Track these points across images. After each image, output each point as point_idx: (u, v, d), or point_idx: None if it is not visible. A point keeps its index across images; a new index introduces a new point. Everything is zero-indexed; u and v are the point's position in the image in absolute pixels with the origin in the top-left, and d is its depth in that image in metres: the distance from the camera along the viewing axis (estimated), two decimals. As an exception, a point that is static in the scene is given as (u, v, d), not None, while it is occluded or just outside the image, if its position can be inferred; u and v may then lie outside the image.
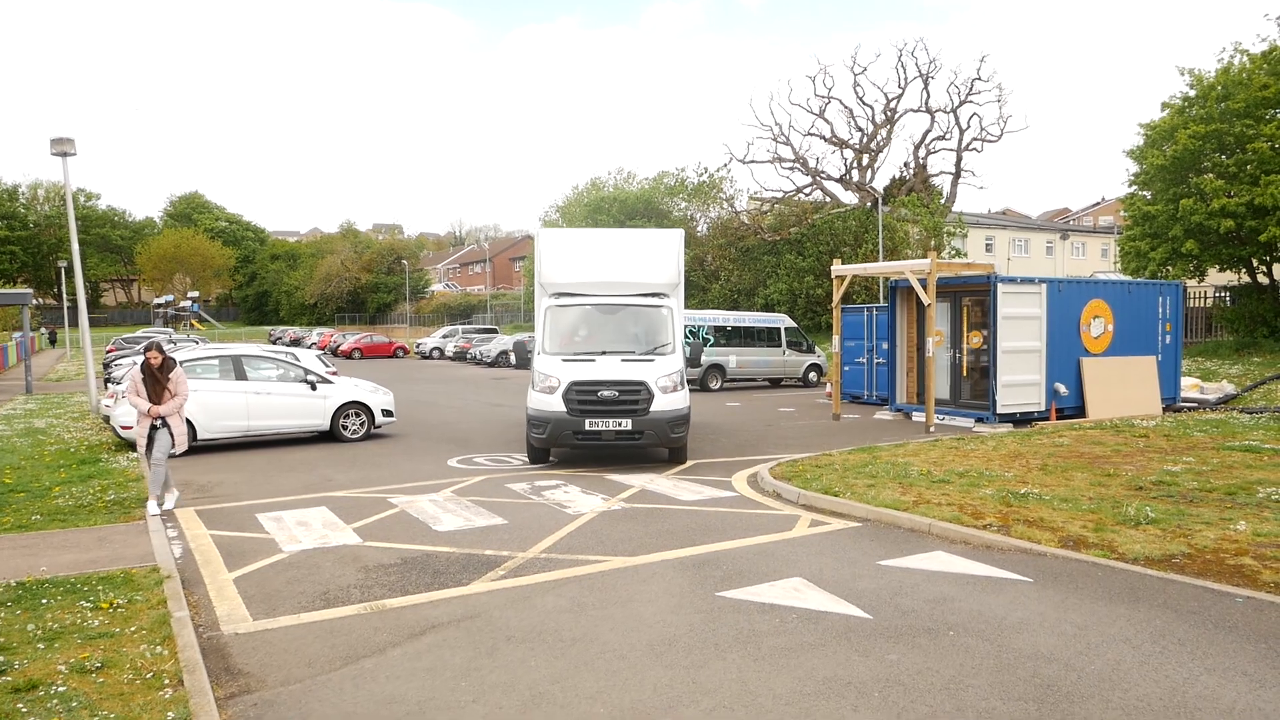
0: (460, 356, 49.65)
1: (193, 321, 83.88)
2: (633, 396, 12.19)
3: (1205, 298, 33.54)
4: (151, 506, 9.82)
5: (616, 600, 6.64)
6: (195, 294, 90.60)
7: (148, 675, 5.17)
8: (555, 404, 12.25)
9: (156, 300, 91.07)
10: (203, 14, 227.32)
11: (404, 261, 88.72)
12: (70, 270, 59.01)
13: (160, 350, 10.19)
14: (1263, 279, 29.95)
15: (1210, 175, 27.93)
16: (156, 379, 10.04)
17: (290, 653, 5.73)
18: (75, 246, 20.23)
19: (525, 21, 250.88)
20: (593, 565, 7.61)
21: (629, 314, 13.67)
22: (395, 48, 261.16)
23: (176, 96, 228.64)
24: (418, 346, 57.06)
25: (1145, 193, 30.66)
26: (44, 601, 6.53)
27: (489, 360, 44.48)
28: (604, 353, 12.92)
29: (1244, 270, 29.88)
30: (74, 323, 65.61)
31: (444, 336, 55.81)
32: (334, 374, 18.94)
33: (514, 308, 74.86)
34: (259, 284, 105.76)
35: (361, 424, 16.45)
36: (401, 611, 6.51)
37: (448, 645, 5.79)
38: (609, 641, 5.77)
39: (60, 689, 4.97)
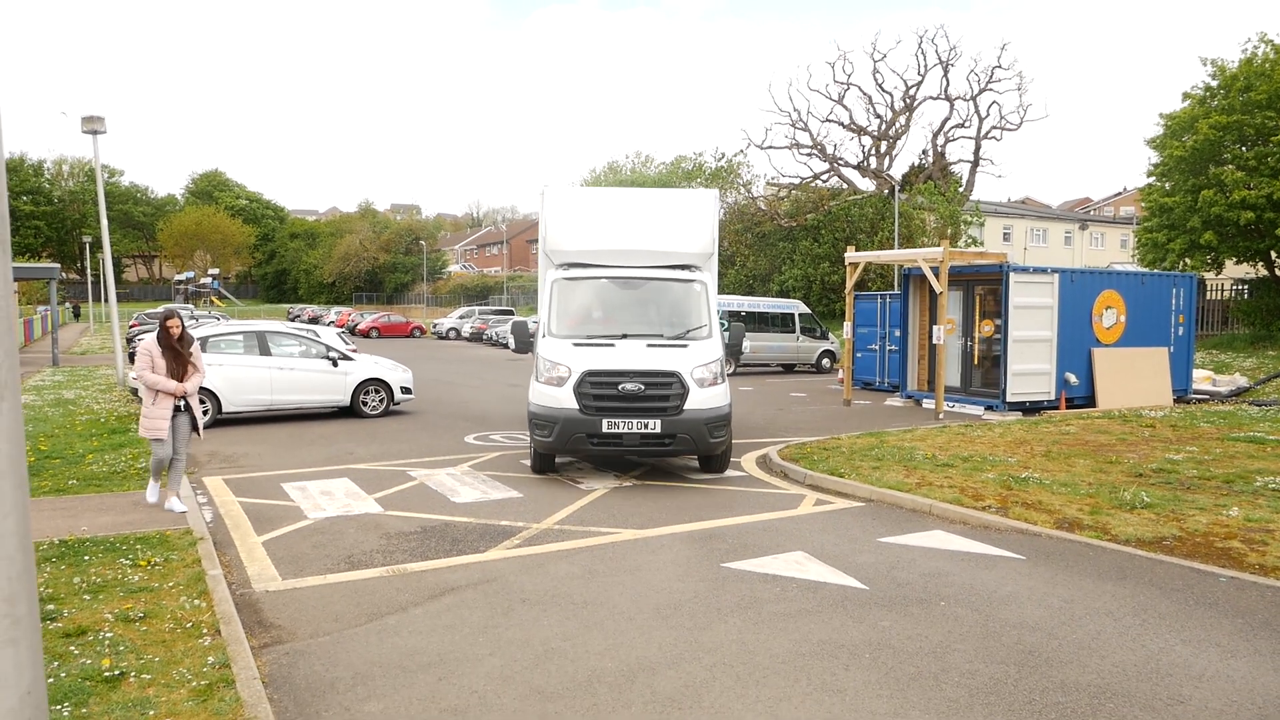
0: (476, 337, 50.04)
1: (213, 298, 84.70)
2: (662, 391, 9.86)
3: (1223, 290, 33.49)
4: (175, 503, 8.60)
5: (626, 568, 6.98)
6: (215, 271, 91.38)
7: (187, 625, 5.54)
8: (565, 399, 9.91)
9: (177, 276, 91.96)
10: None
11: (421, 242, 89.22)
12: (96, 245, 59.89)
13: (181, 319, 8.79)
14: (1280, 272, 29.91)
15: (1231, 167, 27.88)
16: (179, 353, 8.61)
17: (318, 609, 6.09)
18: (104, 223, 20.68)
19: (548, 2, 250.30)
20: (604, 536, 7.95)
21: (654, 290, 11.43)
22: (415, 27, 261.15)
23: (201, 76, 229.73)
24: (434, 327, 57.46)
25: (1164, 184, 30.61)
26: (86, 558, 6.92)
27: (505, 341, 44.87)
28: (624, 336, 10.64)
29: (1262, 264, 29.84)
30: (97, 297, 66.57)
31: (461, 317, 56.17)
32: (354, 351, 19.34)
33: (530, 289, 75.16)
34: (278, 262, 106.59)
35: (381, 400, 16.83)
36: (422, 575, 6.86)
37: (466, 605, 6.14)
38: (618, 605, 6.11)
39: (107, 635, 5.34)
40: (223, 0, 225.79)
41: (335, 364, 16.40)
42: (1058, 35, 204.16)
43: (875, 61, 49.33)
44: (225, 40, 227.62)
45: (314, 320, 57.94)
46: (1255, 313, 30.05)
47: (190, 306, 57.05)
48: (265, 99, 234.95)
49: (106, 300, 22.95)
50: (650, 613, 5.94)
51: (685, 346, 10.45)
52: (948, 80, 49.32)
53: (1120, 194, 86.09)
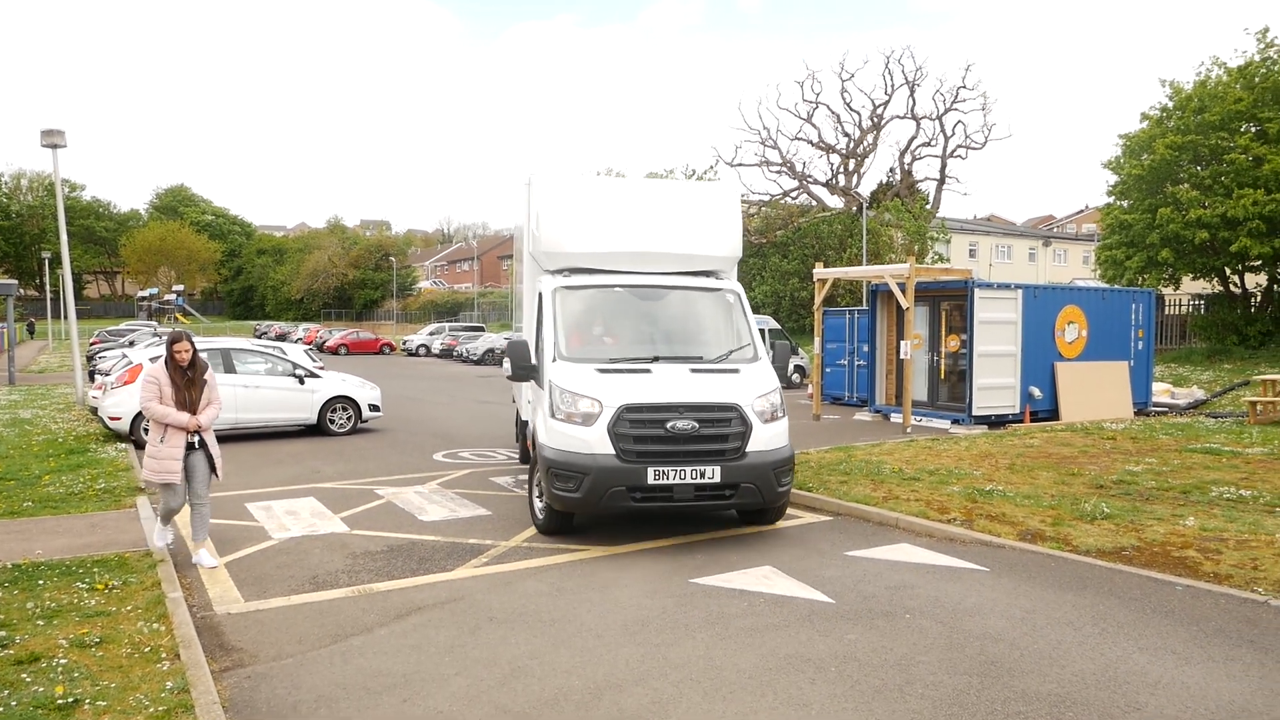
0: (447, 354, 49.83)
1: (177, 315, 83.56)
2: (720, 430, 7.92)
3: (1181, 305, 34.15)
4: (205, 557, 7.63)
5: (595, 585, 6.97)
6: (180, 287, 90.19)
7: (145, 650, 5.45)
8: (596, 442, 7.79)
9: (140, 293, 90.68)
10: (192, 4, 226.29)
11: (391, 258, 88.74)
12: (55, 261, 58.79)
13: (191, 342, 7.68)
14: (1234, 288, 30.57)
15: (1186, 186, 28.50)
16: (191, 381, 7.55)
17: (281, 631, 6.02)
18: (64, 238, 20.36)
19: (523, 18, 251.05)
20: (573, 554, 7.93)
21: (681, 301, 9.55)
22: (386, 42, 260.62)
23: (165, 88, 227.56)
24: (404, 343, 57.13)
25: (1123, 202, 31.21)
26: (40, 582, 6.78)
27: (475, 358, 44.72)
28: (656, 359, 8.62)
29: (1217, 279, 30.49)
30: (56, 314, 65.39)
31: (431, 333, 55.93)
32: (321, 369, 19.19)
33: (501, 306, 74.99)
34: (245, 278, 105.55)
35: (348, 418, 16.70)
36: (388, 594, 6.81)
37: (432, 625, 6.10)
38: (586, 622, 6.09)
39: (61, 661, 5.24)
40: (189, 13, 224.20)
41: (302, 381, 16.26)
42: (1021, 57, 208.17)
43: (843, 81, 50.03)
44: (192, 53, 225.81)
45: (281, 337, 57.40)
46: (1211, 327, 30.66)
47: (154, 323, 56.28)
48: (234, 113, 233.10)
49: (66, 317, 22.58)
50: (618, 630, 5.94)
51: (736, 372, 8.54)
52: (914, 100, 50.03)
53: (1082, 211, 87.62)
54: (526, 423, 11.28)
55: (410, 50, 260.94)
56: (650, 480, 7.73)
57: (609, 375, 8.21)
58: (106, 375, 16.86)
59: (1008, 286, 18.44)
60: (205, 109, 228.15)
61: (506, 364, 8.95)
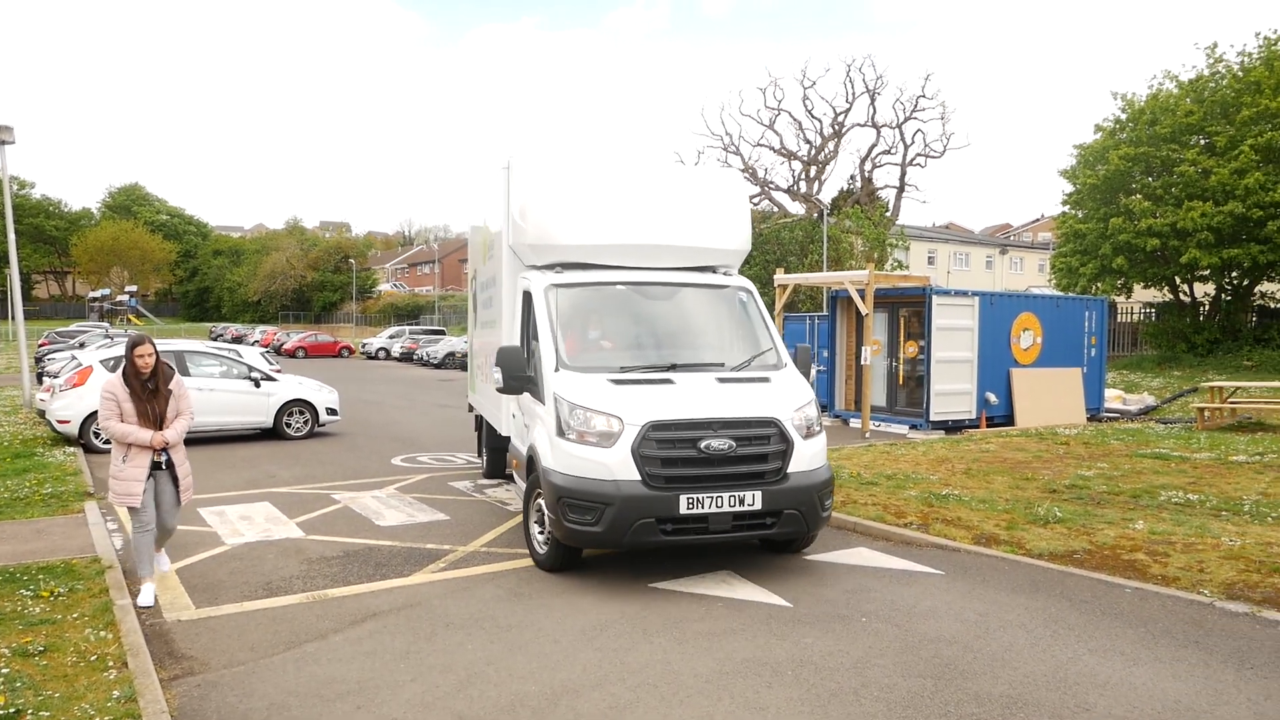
0: (406, 357, 49.42)
1: (130, 316, 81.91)
2: (759, 448, 6.97)
3: (1132, 313, 34.88)
4: (146, 593, 6.59)
5: (553, 590, 6.94)
6: (133, 288, 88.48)
7: (91, 658, 5.33)
8: (618, 466, 6.75)
9: (92, 294, 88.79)
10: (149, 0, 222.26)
11: (351, 260, 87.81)
12: (2, 260, 57.19)
13: (154, 346, 6.69)
14: (1184, 297, 31.30)
15: (1138, 196, 29.13)
16: (154, 391, 6.60)
17: (233, 638, 5.92)
18: (12, 237, 19.84)
19: (486, 21, 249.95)
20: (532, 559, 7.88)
21: (692, 301, 8.52)
22: (349, 41, 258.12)
23: (120, 85, 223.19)
24: (363, 346, 56.57)
25: (1078, 211, 31.83)
26: (-16, 589, 6.60)
27: (436, 361, 44.37)
28: (672, 367, 7.62)
29: (1167, 288, 31.19)
30: (4, 315, 63.74)
31: (390, 337, 55.49)
32: (278, 372, 18.93)
33: (462, 309, 74.48)
34: (200, 279, 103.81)
35: (305, 422, 16.49)
36: (344, 600, 6.72)
37: (388, 631, 6.03)
38: (544, 627, 6.07)
39: (3, 670, 5.10)
40: (143, 10, 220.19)
41: (258, 384, 16.02)
42: (979, 67, 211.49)
43: (805, 89, 50.49)
44: (149, 49, 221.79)
45: (237, 340, 56.52)
46: (1162, 335, 31.36)
47: (105, 324, 55.13)
48: (192, 111, 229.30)
49: (13, 318, 22.06)
50: (576, 634, 5.92)
51: (767, 381, 7.56)
52: (875, 108, 50.59)
53: (1038, 220, 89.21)
54: (493, 430, 10.66)
55: (373, 50, 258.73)
56: (683, 509, 6.69)
57: (626, 387, 7.13)
58: (55, 378, 16.47)
59: (965, 294, 18.70)
60: (162, 107, 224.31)
61: (496, 374, 7.69)
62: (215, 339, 57.98)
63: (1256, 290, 30.43)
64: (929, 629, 5.93)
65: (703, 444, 6.80)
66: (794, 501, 7.03)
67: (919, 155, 50.76)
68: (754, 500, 6.89)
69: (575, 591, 6.90)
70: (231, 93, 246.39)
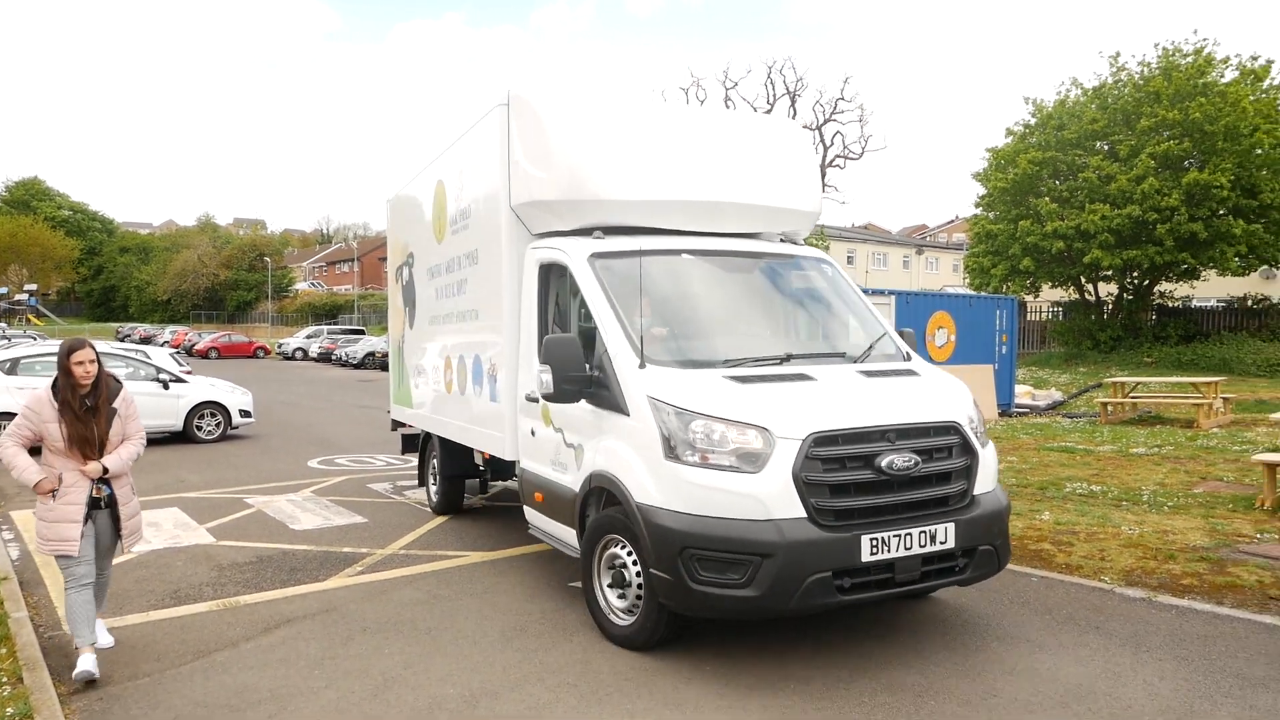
0: (325, 358, 48.39)
1: (29, 316, 78.22)
2: (943, 464, 5.33)
3: (1041, 312, 36.20)
4: (86, 663, 5.16)
5: (473, 592, 6.87)
6: (33, 287, 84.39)
7: (-17, 674, 5.08)
8: (775, 498, 4.93)
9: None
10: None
11: (267, 258, 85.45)
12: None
13: (95, 353, 5.35)
14: (1089, 296, 32.63)
15: (1046, 199, 30.25)
16: (94, 409, 5.29)
17: (138, 649, 5.71)
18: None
19: (409, 16, 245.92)
20: (451, 560, 7.79)
21: (771, 274, 6.78)
22: (265, 36, 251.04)
23: (18, 73, 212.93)
24: (279, 347, 55.18)
25: (989, 213, 32.90)
26: None
27: (355, 361, 43.55)
28: (788, 357, 5.84)
29: (1073, 288, 32.48)
30: (-109, 315, 60.25)
31: (308, 337, 54.29)
32: (188, 373, 18.35)
33: (382, 308, 73.09)
34: (106, 278, 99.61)
35: (217, 424, 16.02)
36: (256, 607, 6.54)
37: (302, 637, 5.89)
38: (463, 629, 6.00)
39: (-114, 689, 4.83)
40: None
41: (166, 386, 15.48)
42: (896, 71, 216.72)
43: (727, 89, 50.95)
44: (52, 37, 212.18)
45: (146, 340, 54.56)
46: (1068, 333, 32.64)
47: (3, 325, 52.59)
48: (96, 104, 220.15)
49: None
50: (495, 636, 5.87)
51: (915, 374, 5.96)
52: (795, 110, 51.34)
53: (953, 221, 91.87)
54: (453, 455, 8.97)
55: (289, 44, 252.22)
56: (866, 556, 4.94)
57: (757, 387, 5.28)
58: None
59: (882, 293, 19.14)
60: (64, 97, 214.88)
61: (544, 376, 5.63)
62: (122, 339, 55.88)
63: (1155, 290, 31.89)
64: (843, 622, 6.04)
65: (882, 461, 5.04)
66: (987, 534, 5.39)
67: (838, 157, 51.74)
68: (946, 536, 5.18)
69: (495, 592, 6.84)
70: (140, 85, 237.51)
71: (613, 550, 5.60)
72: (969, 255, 35.03)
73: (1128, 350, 29.90)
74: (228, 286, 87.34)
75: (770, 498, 4.90)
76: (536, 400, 6.43)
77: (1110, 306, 32.34)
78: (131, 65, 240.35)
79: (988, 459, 5.62)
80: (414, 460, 10.64)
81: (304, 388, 30.12)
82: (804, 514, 4.90)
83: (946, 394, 5.71)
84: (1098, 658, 5.35)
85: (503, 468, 8.30)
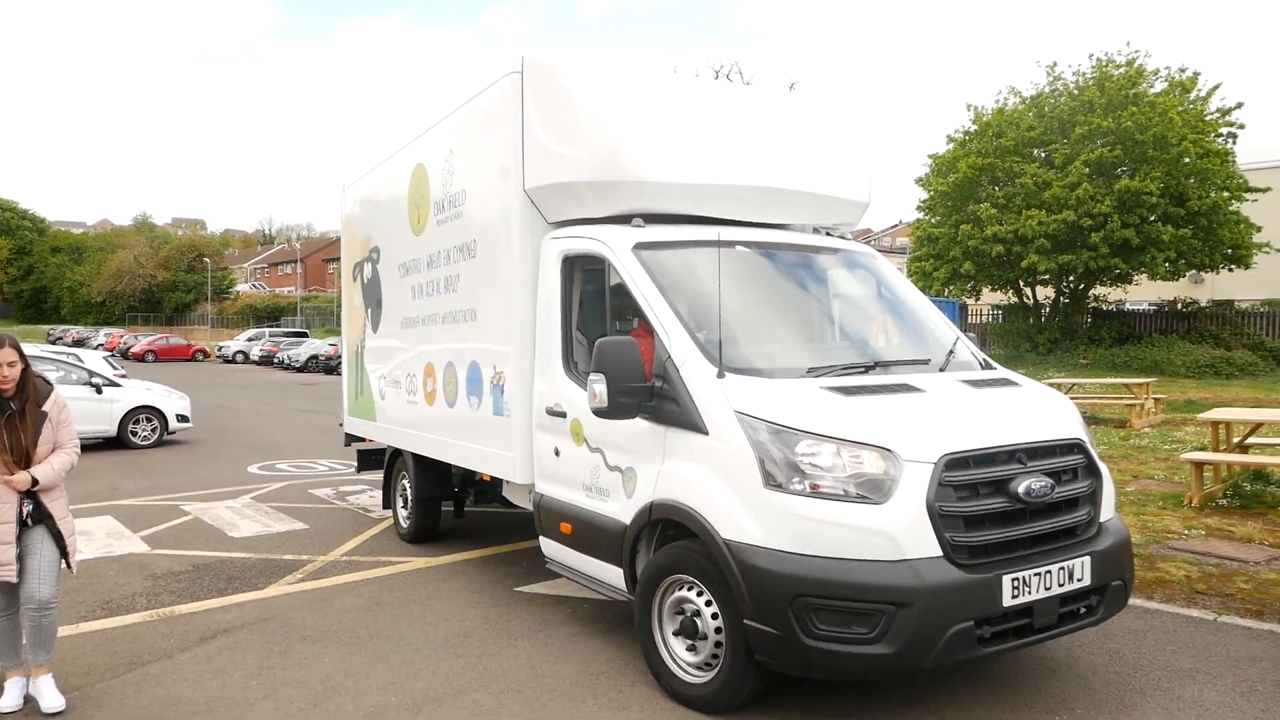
0: (267, 360, 47.52)
1: (-45, 319, 75.54)
2: (1072, 488, 4.70)
3: (982, 315, 36.99)
4: (46, 690, 4.84)
5: (416, 598, 6.79)
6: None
7: (-100, 691, 4.88)
8: (907, 534, 4.14)
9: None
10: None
11: (206, 259, 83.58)
12: None
13: (19, 352, 4.78)
14: (1027, 300, 33.41)
15: (986, 204, 30.92)
16: (19, 414, 4.77)
17: (67, 663, 5.52)
18: None
19: (355, 15, 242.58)
20: (395, 566, 7.70)
21: (830, 271, 6.12)
22: (203, 31, 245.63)
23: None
24: (220, 350, 54.08)
25: (931, 218, 33.51)
26: None
27: (298, 365, 42.82)
28: (874, 364, 5.22)
29: (1012, 291, 33.24)
30: None
31: (249, 339, 53.32)
32: (123, 377, 17.88)
33: (326, 311, 72.04)
34: (36, 278, 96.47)
35: (153, 430, 15.63)
36: (191, 617, 6.39)
37: (239, 647, 5.77)
38: (406, 636, 5.93)
39: None
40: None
41: (99, 391, 15.07)
42: (841, 78, 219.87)
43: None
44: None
45: (79, 343, 52.95)
46: (1008, 335, 33.37)
47: (-74, 328, 50.67)
48: (25, 99, 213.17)
49: None
50: (439, 642, 5.81)
51: (1015, 384, 5.29)
52: (741, 114, 51.70)
53: (896, 226, 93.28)
54: (429, 473, 7.99)
55: (227, 41, 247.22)
56: (1008, 599, 4.22)
57: (864, 400, 4.57)
58: None
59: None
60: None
61: (597, 388, 4.76)
62: (54, 342, 54.15)
63: (1090, 294, 32.77)
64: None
65: (1019, 486, 4.36)
66: (1119, 567, 4.76)
67: (785, 161, 52.24)
68: (1083, 571, 4.52)
69: (439, 598, 6.77)
70: (72, 80, 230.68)
71: (680, 594, 4.74)
72: (912, 259, 35.64)
73: (1065, 352, 30.65)
74: (166, 288, 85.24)
75: (902, 533, 4.12)
76: (562, 415, 5.60)
77: (1048, 310, 33.14)
78: (63, 59, 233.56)
79: (1108, 481, 4.97)
80: (363, 467, 9.86)
81: (245, 392, 29.52)
82: (940, 552, 4.15)
83: (1058, 407, 5.10)
84: (1031, 652, 5.47)
85: (488, 490, 7.51)
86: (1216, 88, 28.92)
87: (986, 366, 5.63)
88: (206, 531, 9.05)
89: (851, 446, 4.24)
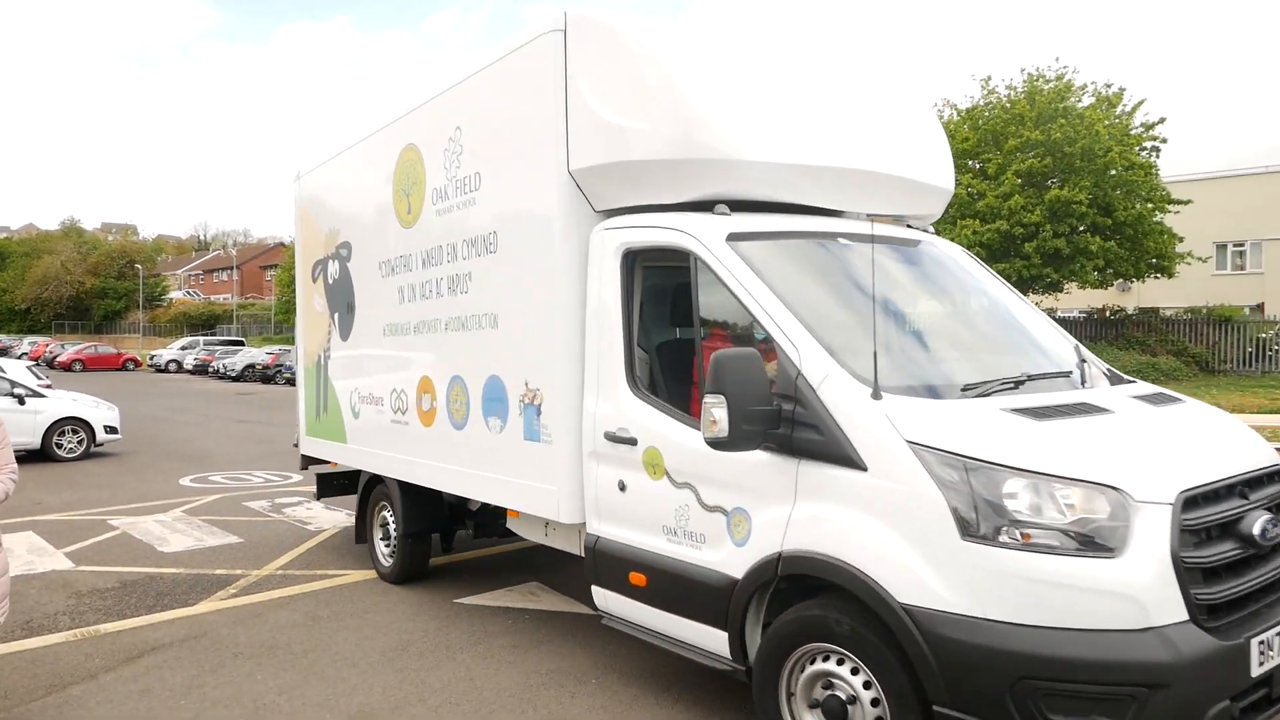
0: (201, 370, 46.38)
1: None
2: None
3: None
4: None
5: (353, 612, 6.68)
6: (-128, 295, 78.10)
7: None
8: (1149, 594, 3.23)
9: None
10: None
11: (138, 265, 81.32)
12: None
13: None
14: (963, 307, 34.21)
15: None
16: None
17: (-17, 686, 5.33)
18: None
19: (295, 18, 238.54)
20: (332, 579, 7.57)
21: (936, 270, 5.27)
22: (135, 31, 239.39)
23: None
24: (151, 359, 52.62)
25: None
26: None
27: (234, 374, 41.86)
28: (1026, 378, 4.23)
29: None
30: None
31: (183, 348, 52.00)
32: (48, 387, 17.31)
33: (263, 319, 70.61)
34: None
35: (80, 441, 15.14)
36: (118, 636, 6.20)
37: (168, 666, 5.61)
38: (342, 651, 5.83)
39: None
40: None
41: (22, 401, 14.55)
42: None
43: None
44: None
45: (1, 352, 51.09)
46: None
47: None
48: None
49: None
50: (376, 657, 5.72)
51: (1182, 401, 4.61)
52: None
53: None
54: (418, 505, 7.08)
55: (161, 42, 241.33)
56: (1255, 668, 3.45)
57: (1062, 424, 3.75)
58: None
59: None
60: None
61: (716, 412, 3.81)
62: (-26, 351, 52.18)
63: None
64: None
65: (1252, 527, 3.58)
66: None
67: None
68: None
69: (377, 612, 6.68)
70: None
71: (820, 667, 3.84)
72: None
73: (999, 359, 31.47)
74: (94, 295, 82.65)
75: (1145, 593, 3.25)
76: (631, 441, 4.67)
77: (983, 317, 34.02)
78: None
79: None
80: (301, 478, 9.26)
81: (177, 401, 28.77)
82: (1186, 615, 3.29)
83: (1240, 427, 4.37)
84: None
85: (489, 521, 6.82)
86: (1141, 103, 29.96)
87: (1116, 378, 4.84)
88: (135, 546, 8.79)
89: (1073, 485, 3.37)
